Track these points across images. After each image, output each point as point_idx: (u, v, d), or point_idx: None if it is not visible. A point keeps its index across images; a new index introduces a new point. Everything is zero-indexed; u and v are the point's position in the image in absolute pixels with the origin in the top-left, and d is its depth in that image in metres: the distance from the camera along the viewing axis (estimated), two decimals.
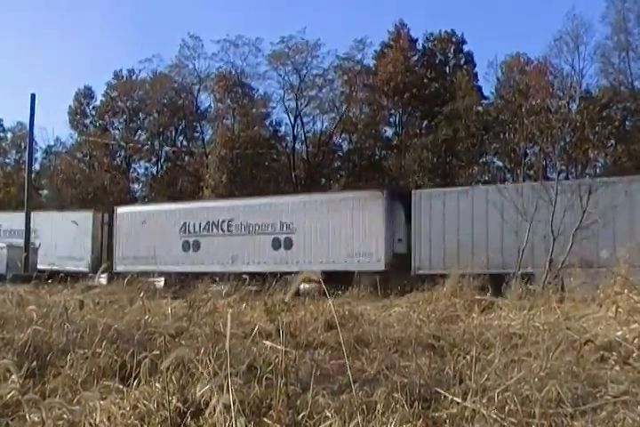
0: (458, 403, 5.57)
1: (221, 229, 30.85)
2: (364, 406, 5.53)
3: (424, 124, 53.33)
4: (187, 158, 58.27)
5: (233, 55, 54.13)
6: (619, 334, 8.51)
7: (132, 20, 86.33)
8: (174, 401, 5.79)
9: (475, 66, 53.67)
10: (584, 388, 6.20)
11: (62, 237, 35.50)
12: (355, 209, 27.05)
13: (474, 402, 5.49)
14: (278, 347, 6.61)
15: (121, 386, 6.44)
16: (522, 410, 5.38)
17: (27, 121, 40.44)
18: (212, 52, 55.22)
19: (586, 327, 9.39)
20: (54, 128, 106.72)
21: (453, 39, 54.15)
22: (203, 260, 30.88)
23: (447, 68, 54.37)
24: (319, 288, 6.35)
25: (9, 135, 65.30)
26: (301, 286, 17.64)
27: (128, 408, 5.84)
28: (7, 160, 65.73)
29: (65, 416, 5.77)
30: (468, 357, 6.82)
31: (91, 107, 61.06)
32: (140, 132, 60.03)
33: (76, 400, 6.17)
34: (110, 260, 32.15)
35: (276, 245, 28.91)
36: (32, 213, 35.04)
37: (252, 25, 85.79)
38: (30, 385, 6.77)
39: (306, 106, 54.23)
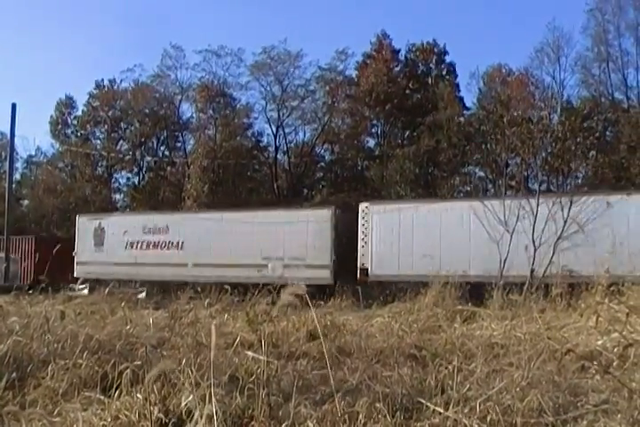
0: (440, 413, 5.58)
1: None
2: (347, 417, 5.54)
3: (406, 135, 53.47)
4: (168, 168, 58.01)
5: (215, 65, 54.18)
6: (599, 343, 8.56)
7: (114, 30, 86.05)
8: (156, 412, 5.77)
9: (457, 77, 53.99)
10: (565, 397, 6.23)
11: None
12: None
13: (456, 412, 5.50)
14: (260, 357, 6.60)
15: (102, 397, 6.41)
16: (503, 420, 5.40)
17: (7, 130, 40.47)
18: (194, 63, 55.27)
19: (567, 337, 9.43)
20: (35, 138, 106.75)
21: (435, 50, 54.36)
22: None
23: (429, 79, 54.48)
24: (301, 299, 6.34)
25: None
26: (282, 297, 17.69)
27: (109, 419, 5.82)
28: None
29: None
30: (450, 367, 6.84)
31: (72, 117, 60.80)
32: (121, 142, 59.79)
33: (56, 412, 6.14)
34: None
35: None
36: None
37: (234, 35, 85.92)
38: (10, 397, 6.73)
39: (288, 116, 54.23)
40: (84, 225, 34.34)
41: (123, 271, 31.14)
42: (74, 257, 33.51)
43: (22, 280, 35.21)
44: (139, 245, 32.28)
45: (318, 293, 20.14)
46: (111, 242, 32.89)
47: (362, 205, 27.58)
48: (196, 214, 35.55)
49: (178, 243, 31.34)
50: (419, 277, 22.01)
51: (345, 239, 27.76)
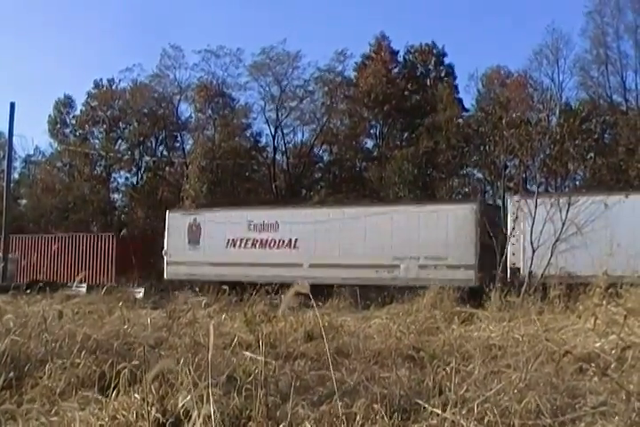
0: (437, 414, 5.57)
1: None
2: (344, 418, 5.53)
3: (405, 136, 53.45)
4: (167, 168, 58.00)
5: (214, 65, 54.08)
6: (597, 345, 8.55)
7: (113, 30, 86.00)
8: (154, 412, 5.77)
9: (455, 78, 53.97)
10: (563, 399, 6.23)
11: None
12: None
13: (453, 413, 5.50)
14: (258, 358, 6.60)
15: (100, 397, 6.41)
16: (501, 421, 5.40)
17: (6, 130, 40.42)
18: (192, 63, 55.16)
19: (565, 339, 9.45)
20: (34, 137, 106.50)
21: (434, 51, 54.33)
22: None
23: (428, 81, 54.47)
24: (299, 299, 6.33)
25: None
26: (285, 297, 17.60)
27: (107, 419, 5.82)
28: None
29: None
30: (447, 368, 6.84)
31: (71, 116, 60.67)
32: (120, 141, 59.64)
33: (54, 411, 6.14)
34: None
35: None
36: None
37: (233, 36, 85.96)
38: (7, 396, 6.73)
39: (286, 117, 54.17)
40: (177, 221, 31.57)
41: (221, 272, 28.45)
42: (163, 256, 31.37)
43: (109, 280, 32.77)
44: (242, 243, 29.48)
45: (469, 297, 19.46)
46: (209, 240, 30.12)
47: (513, 199, 24.88)
48: (313, 209, 32.05)
49: (290, 241, 28.49)
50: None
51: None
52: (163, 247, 31.60)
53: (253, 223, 29.41)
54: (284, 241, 28.56)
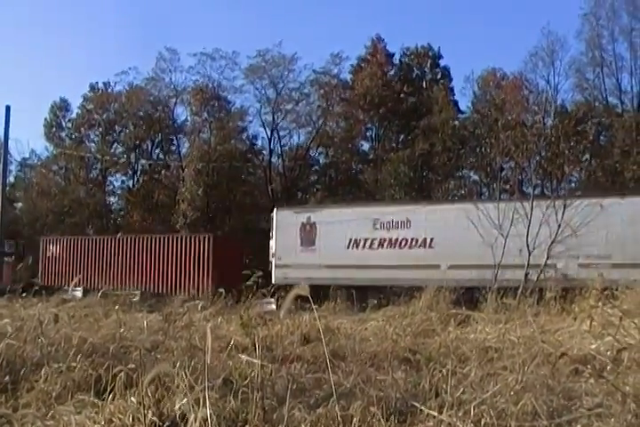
0: (434, 417, 5.58)
1: None
2: (341, 420, 5.53)
3: (400, 139, 53.44)
4: (163, 171, 57.96)
5: (210, 68, 54.01)
6: (593, 347, 8.56)
7: (108, 34, 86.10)
8: (150, 415, 5.76)
9: (451, 80, 53.99)
10: (559, 401, 6.23)
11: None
12: None
13: (450, 416, 5.50)
14: (254, 361, 6.60)
15: (96, 400, 6.39)
16: (498, 424, 5.40)
17: (1, 133, 40.34)
18: (188, 66, 55.15)
19: (561, 341, 9.46)
20: (29, 141, 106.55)
21: (430, 54, 54.38)
22: None
23: (424, 83, 54.49)
24: (295, 302, 6.31)
25: None
26: (272, 300, 17.57)
27: (103, 423, 5.81)
28: None
29: None
30: (444, 370, 6.84)
31: (66, 119, 60.62)
32: (116, 144, 59.58)
33: (50, 415, 6.12)
34: None
35: None
36: None
37: (228, 39, 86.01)
38: (3, 400, 6.72)
39: (282, 120, 54.14)
40: (287, 220, 28.89)
41: (341, 275, 26.20)
42: (271, 259, 28.86)
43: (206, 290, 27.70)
44: (366, 243, 27.02)
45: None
46: (326, 240, 27.59)
47: None
48: (450, 205, 29.18)
49: (425, 240, 26.06)
50: None
51: None
52: (269, 249, 29.45)
53: (380, 221, 26.93)
54: (417, 240, 26.29)
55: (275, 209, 30.52)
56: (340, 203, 33.21)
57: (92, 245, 35.94)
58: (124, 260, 34.06)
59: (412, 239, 26.16)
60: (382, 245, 26.64)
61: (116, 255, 34.45)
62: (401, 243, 26.43)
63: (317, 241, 27.81)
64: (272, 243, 29.10)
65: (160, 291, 30.35)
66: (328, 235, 27.38)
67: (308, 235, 28.07)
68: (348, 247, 27.07)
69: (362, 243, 26.98)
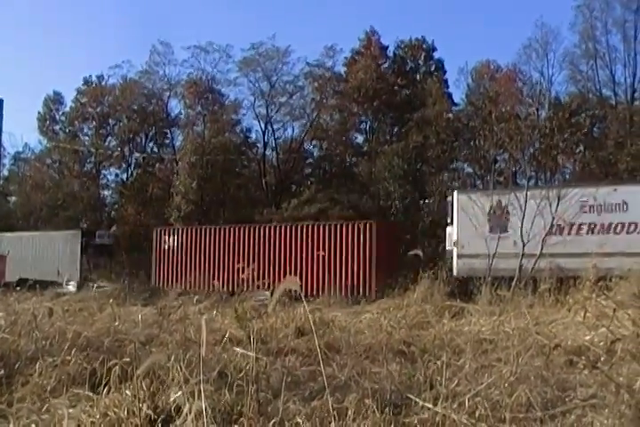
0: (429, 408, 5.59)
1: None
2: (336, 413, 5.53)
3: (394, 131, 53.36)
4: (157, 165, 57.83)
5: (203, 61, 53.86)
6: (587, 338, 8.59)
7: (102, 27, 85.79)
8: (145, 408, 5.76)
9: (445, 73, 53.84)
10: (553, 392, 6.26)
11: None
12: None
13: (444, 407, 5.51)
14: (249, 354, 6.60)
15: (91, 394, 6.39)
16: (492, 415, 5.42)
17: None
18: (182, 59, 55.06)
19: (555, 332, 9.48)
20: (23, 134, 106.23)
21: (424, 46, 54.25)
22: None
23: (418, 75, 54.39)
24: (289, 295, 6.30)
25: None
26: (267, 293, 17.55)
27: (98, 416, 5.81)
28: None
29: (34, 425, 5.72)
30: (438, 362, 6.85)
31: (60, 113, 60.39)
32: (109, 138, 59.41)
33: (45, 409, 6.12)
34: None
35: None
36: None
37: (222, 32, 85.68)
38: None
39: (276, 112, 54.01)
40: (467, 204, 25.06)
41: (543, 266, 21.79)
42: (451, 248, 25.79)
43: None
44: (571, 228, 23.83)
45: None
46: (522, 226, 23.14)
47: None
48: None
49: None
50: None
51: None
52: (447, 237, 26.54)
53: (589, 204, 23.75)
54: (634, 224, 23.42)
55: (454, 192, 27.05)
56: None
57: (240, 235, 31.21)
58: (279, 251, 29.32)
59: (629, 223, 23.48)
60: (591, 231, 23.84)
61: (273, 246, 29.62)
62: (614, 228, 23.70)
63: (510, 227, 24.45)
64: (449, 229, 26.29)
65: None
66: (525, 220, 23.24)
67: (499, 220, 24.95)
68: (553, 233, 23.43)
69: (567, 228, 23.89)
